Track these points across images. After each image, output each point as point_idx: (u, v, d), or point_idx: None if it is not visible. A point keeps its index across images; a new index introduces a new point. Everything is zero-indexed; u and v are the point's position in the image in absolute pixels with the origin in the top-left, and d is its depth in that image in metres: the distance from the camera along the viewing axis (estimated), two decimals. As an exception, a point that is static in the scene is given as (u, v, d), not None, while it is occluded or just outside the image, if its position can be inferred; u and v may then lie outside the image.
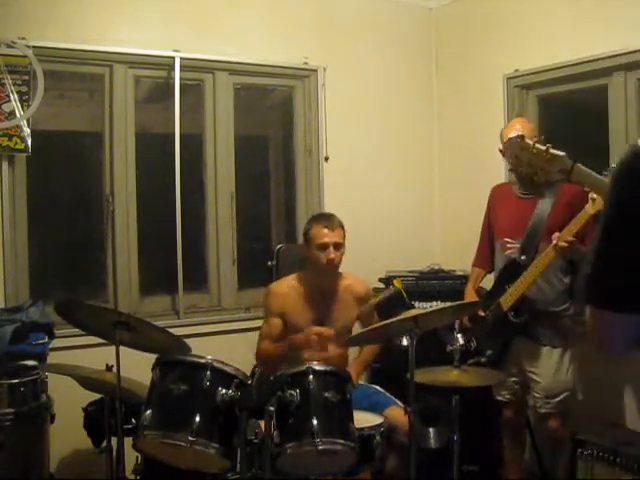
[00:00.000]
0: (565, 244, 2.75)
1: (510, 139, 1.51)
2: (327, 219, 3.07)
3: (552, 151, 1.45)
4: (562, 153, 1.40)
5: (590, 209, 2.64)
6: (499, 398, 3.25)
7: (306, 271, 3.16)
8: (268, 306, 3.14)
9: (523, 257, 2.99)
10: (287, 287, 3.14)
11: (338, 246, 3.02)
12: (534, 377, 3.06)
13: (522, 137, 1.50)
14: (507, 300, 3.01)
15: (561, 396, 3.02)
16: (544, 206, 2.98)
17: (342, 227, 3.06)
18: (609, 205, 1.17)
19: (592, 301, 1.21)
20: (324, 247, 3.01)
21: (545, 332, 3.02)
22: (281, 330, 3.06)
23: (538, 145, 1.47)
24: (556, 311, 3.05)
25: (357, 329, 3.16)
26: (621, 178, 1.15)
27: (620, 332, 1.21)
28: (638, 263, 1.13)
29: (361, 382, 3.26)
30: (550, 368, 3.03)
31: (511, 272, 3.03)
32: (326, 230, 3.01)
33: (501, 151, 3.15)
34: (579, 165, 1.53)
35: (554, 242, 2.78)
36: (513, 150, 1.52)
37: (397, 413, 2.85)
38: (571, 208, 2.82)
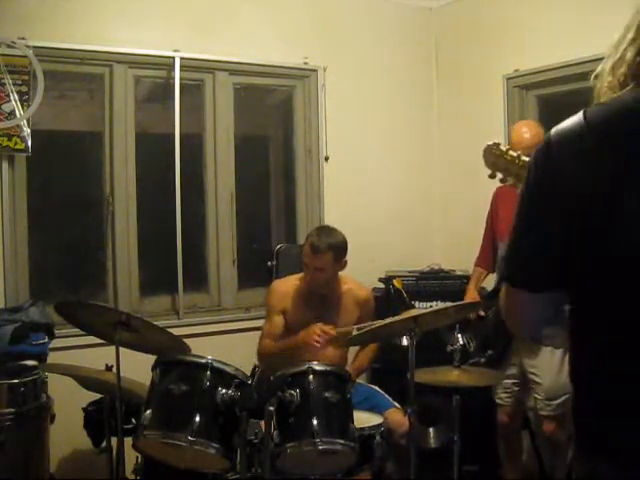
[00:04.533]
0: None
1: (486, 146, 1.53)
2: (318, 239, 2.97)
3: (523, 158, 1.48)
4: None
5: None
6: (497, 401, 3.23)
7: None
8: (270, 303, 3.14)
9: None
10: (290, 286, 3.14)
11: (320, 269, 2.97)
12: (535, 378, 3.06)
13: (497, 144, 1.52)
14: (508, 300, 3.00)
15: (562, 398, 3.01)
16: None
17: (332, 250, 2.95)
18: (525, 186, 1.20)
19: (508, 279, 1.24)
20: (306, 266, 3.02)
21: (547, 332, 3.02)
22: (282, 329, 3.07)
23: (511, 152, 1.50)
24: (557, 311, 3.04)
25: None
26: (535, 161, 1.18)
27: (532, 312, 1.24)
28: (551, 242, 1.15)
29: (361, 382, 3.25)
30: (552, 369, 3.02)
31: None
32: (311, 253, 2.96)
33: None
34: None
35: None
36: (489, 157, 1.54)
37: (396, 416, 2.85)
38: None
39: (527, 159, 1.45)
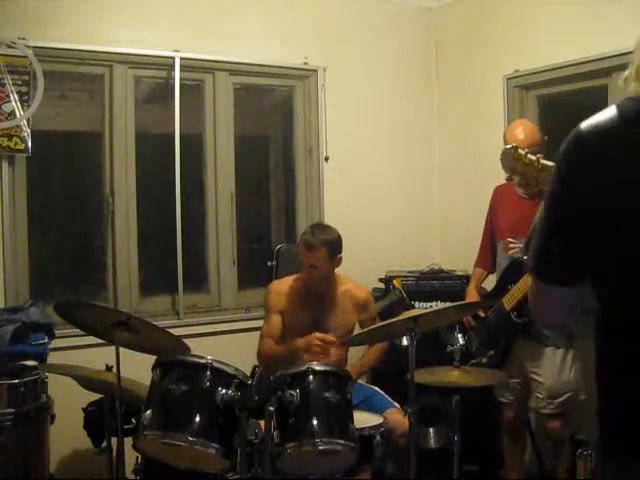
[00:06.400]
0: None
1: (504, 150, 1.53)
2: (312, 235, 2.99)
3: (542, 162, 1.47)
4: (552, 163, 1.42)
5: None
6: (501, 399, 3.24)
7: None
8: (268, 303, 3.14)
9: (526, 257, 2.98)
10: (287, 286, 3.14)
11: (315, 266, 2.98)
12: (537, 378, 3.06)
13: (516, 148, 1.51)
14: (510, 300, 3.01)
15: (564, 397, 3.01)
16: None
17: (327, 246, 2.97)
18: (555, 183, 1.21)
19: (537, 275, 1.28)
20: (302, 264, 3.03)
21: (548, 332, 3.02)
22: (281, 328, 3.07)
23: (530, 156, 1.49)
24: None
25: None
26: (564, 159, 1.19)
27: (559, 304, 1.29)
28: (583, 241, 1.17)
29: (361, 382, 3.25)
30: (553, 369, 3.02)
31: (514, 272, 3.02)
32: (305, 249, 2.98)
33: None
34: None
35: None
36: (507, 161, 1.54)
37: (396, 416, 2.85)
38: None
39: (546, 162, 1.45)
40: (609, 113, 1.14)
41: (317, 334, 2.88)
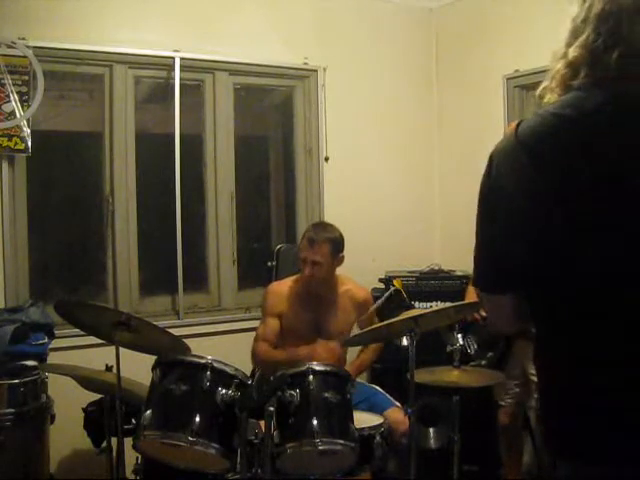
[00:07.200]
0: None
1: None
2: (315, 233, 2.99)
3: None
4: None
5: None
6: (500, 403, 3.23)
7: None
8: (266, 306, 3.13)
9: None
10: (286, 288, 3.13)
11: (317, 263, 2.97)
12: (536, 378, 3.05)
13: None
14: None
15: None
16: None
17: (329, 243, 2.97)
18: (486, 188, 1.23)
19: (479, 285, 1.29)
20: (304, 261, 3.01)
21: None
22: (277, 332, 3.06)
23: None
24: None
25: (355, 332, 3.15)
26: (483, 179, 1.23)
27: (510, 310, 1.26)
28: (515, 243, 1.17)
29: (361, 382, 3.25)
30: None
31: None
32: (308, 245, 2.97)
33: None
34: None
35: None
36: None
37: (396, 415, 2.85)
38: None
39: None
40: (509, 134, 1.17)
41: (322, 343, 2.87)
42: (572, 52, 1.17)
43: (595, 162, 1.09)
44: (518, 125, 1.17)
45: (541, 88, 1.23)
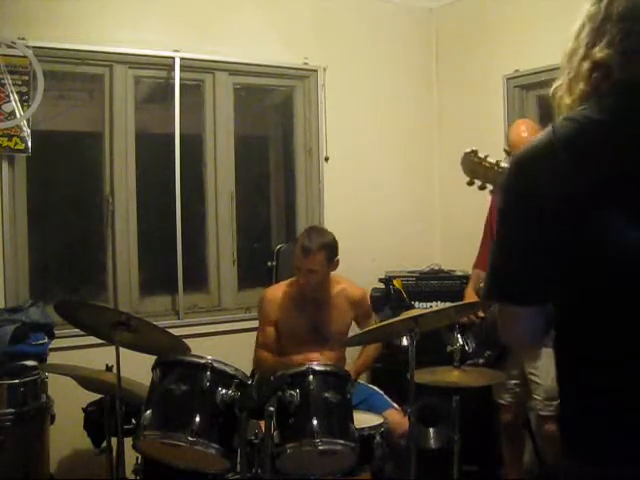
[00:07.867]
0: None
1: (464, 154, 1.53)
2: (310, 240, 2.95)
3: (502, 164, 1.48)
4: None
5: None
6: (500, 401, 3.23)
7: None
8: (262, 314, 3.12)
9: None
10: (281, 293, 3.11)
11: (313, 271, 2.95)
12: (535, 379, 3.05)
13: (475, 152, 1.52)
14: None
15: None
16: None
17: (324, 249, 2.94)
18: (502, 205, 1.19)
19: (496, 297, 1.23)
20: (298, 269, 2.99)
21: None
22: (274, 339, 3.05)
23: (489, 159, 1.49)
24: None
25: (354, 331, 3.15)
26: (508, 182, 1.18)
27: (528, 324, 1.23)
28: (536, 253, 1.14)
29: (361, 382, 3.25)
30: (551, 370, 2.99)
31: None
32: (302, 254, 2.94)
33: (506, 151, 3.14)
34: None
35: None
36: (468, 165, 1.54)
37: (396, 416, 2.85)
38: None
39: (506, 165, 1.45)
40: (546, 134, 1.14)
41: (316, 355, 2.87)
42: (598, 53, 1.12)
43: (635, 168, 1.08)
44: (554, 127, 1.14)
45: (555, 86, 1.21)
